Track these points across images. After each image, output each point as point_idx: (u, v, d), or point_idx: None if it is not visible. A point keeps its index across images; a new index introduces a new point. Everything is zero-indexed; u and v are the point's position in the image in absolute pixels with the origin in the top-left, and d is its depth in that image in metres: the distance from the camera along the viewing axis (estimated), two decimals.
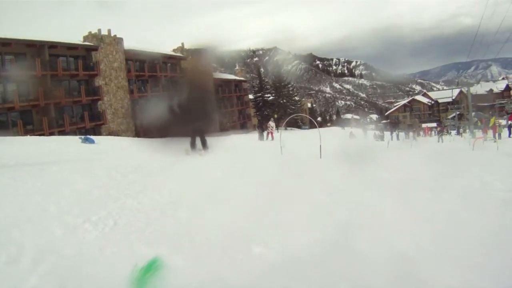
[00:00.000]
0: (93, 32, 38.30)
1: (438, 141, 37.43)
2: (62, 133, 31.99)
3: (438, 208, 5.88)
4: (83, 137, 22.24)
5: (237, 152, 13.75)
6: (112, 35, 39.94)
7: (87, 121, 35.72)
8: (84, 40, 37.95)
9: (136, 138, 34.68)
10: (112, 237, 4.71)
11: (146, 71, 44.05)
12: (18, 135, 26.26)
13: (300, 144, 17.77)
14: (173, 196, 6.74)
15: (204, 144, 14.45)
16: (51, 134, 30.43)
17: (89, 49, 37.43)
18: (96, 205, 5.85)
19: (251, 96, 62.72)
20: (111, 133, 35.64)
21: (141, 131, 40.56)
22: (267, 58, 71.94)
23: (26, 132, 28.93)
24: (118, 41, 40.35)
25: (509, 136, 35.85)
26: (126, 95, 40.53)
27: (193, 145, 12.98)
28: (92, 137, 23.10)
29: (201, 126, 13.23)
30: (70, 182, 7.52)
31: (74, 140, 21.34)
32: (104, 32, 39.20)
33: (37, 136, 24.97)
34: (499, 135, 36.06)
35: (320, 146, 12.54)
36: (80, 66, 36.12)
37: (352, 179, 7.85)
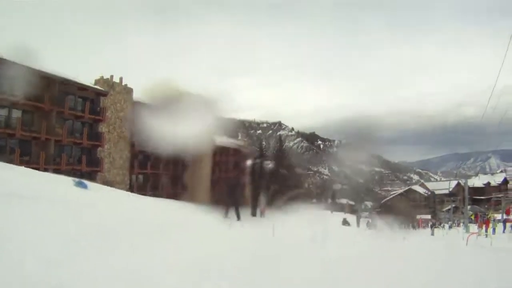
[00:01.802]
0: (105, 77, 38.81)
1: (432, 234, 38.02)
2: (57, 171, 31.43)
3: None
4: (77, 180, 21.86)
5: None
6: (123, 84, 40.41)
7: (84, 165, 35.30)
8: (95, 84, 38.21)
9: (129, 193, 34.20)
10: None
11: None
12: (13, 163, 25.72)
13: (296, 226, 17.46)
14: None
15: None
16: (46, 169, 29.84)
17: (98, 93, 37.69)
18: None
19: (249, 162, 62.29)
20: (105, 182, 35.00)
21: (135, 187, 40.01)
22: (270, 132, 73.15)
23: (22, 162, 28.35)
24: (128, 90, 40.74)
25: (503, 232, 35.79)
26: (127, 146, 40.27)
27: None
28: (86, 182, 22.73)
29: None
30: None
31: (67, 181, 21.06)
32: (116, 79, 39.74)
33: (31, 169, 24.63)
34: (493, 229, 36.07)
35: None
36: (87, 109, 36.28)
37: None
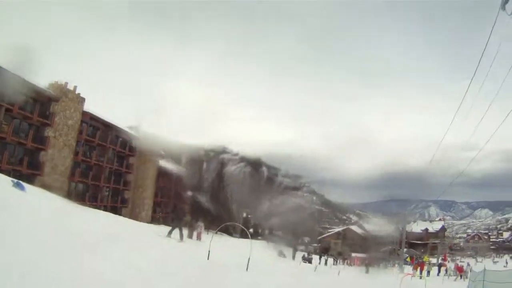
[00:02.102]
0: (59, 83, 38.96)
1: (366, 272, 39.01)
2: None
3: None
4: (15, 181, 22.35)
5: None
6: (77, 92, 40.63)
7: (25, 166, 35.27)
8: (49, 88, 38.22)
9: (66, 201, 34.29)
10: None
11: (96, 138, 44.39)
12: None
13: (230, 253, 18.37)
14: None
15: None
16: None
17: (50, 98, 37.64)
18: None
19: (189, 193, 63.18)
20: (44, 186, 34.95)
21: (73, 195, 40.02)
22: (213, 154, 73.35)
23: None
24: (80, 100, 40.89)
25: (438, 274, 38.11)
26: (70, 154, 40.34)
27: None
28: (24, 184, 23.21)
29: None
30: None
31: (5, 181, 21.43)
32: (70, 86, 39.93)
33: None
34: (428, 272, 38.36)
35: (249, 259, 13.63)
36: (36, 111, 36.25)
37: None
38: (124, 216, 43.35)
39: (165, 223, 52.33)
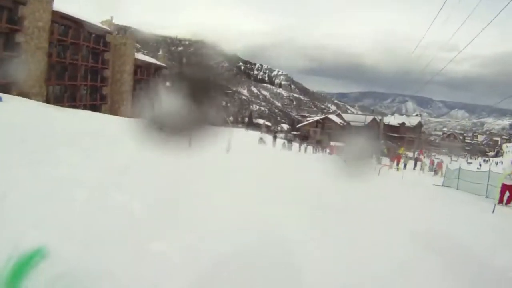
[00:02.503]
0: None
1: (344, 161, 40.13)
2: None
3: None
4: None
5: None
6: None
7: None
8: None
9: (45, 104, 33.93)
10: None
11: (69, 37, 42.71)
12: None
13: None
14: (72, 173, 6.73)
15: None
16: None
17: (17, 2, 35.65)
18: None
19: (168, 84, 62.48)
20: (20, 93, 34.31)
21: (51, 98, 39.56)
22: (192, 49, 72.39)
23: None
24: (48, 0, 38.78)
25: (414, 168, 39.84)
26: (44, 57, 39.10)
27: None
28: (0, 94, 22.76)
29: None
30: None
31: None
32: None
33: None
34: (405, 165, 39.96)
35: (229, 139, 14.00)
36: (4, 18, 34.53)
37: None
38: (104, 112, 43.40)
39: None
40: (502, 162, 59.38)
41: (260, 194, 8.02)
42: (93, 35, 46.79)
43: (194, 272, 4.00)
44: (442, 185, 24.73)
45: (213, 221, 5.41)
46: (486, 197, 16.86)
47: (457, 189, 21.89)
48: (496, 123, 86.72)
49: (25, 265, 2.65)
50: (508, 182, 13.52)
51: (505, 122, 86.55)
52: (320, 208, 7.39)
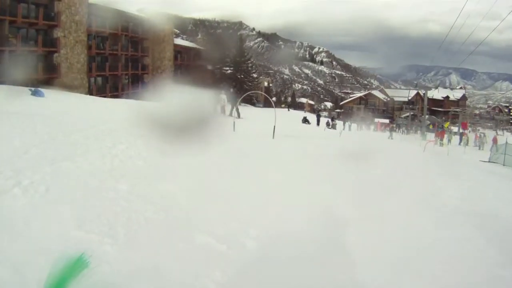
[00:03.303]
0: None
1: (389, 138, 39.45)
2: (13, 82, 31.84)
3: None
4: (33, 89, 22.61)
5: None
6: None
7: (41, 72, 35.46)
8: None
9: (88, 96, 34.98)
10: (41, 208, 4.51)
11: (107, 28, 43.56)
12: None
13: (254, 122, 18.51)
14: (115, 164, 6.87)
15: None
16: (1, 82, 30.38)
17: None
18: (31, 166, 5.81)
19: (209, 67, 63.44)
20: (64, 87, 35.44)
21: (94, 89, 40.78)
22: (231, 31, 72.55)
23: None
24: None
25: (459, 144, 38.64)
26: (83, 50, 40.08)
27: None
28: (42, 90, 23.46)
29: None
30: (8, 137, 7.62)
31: (23, 92, 21.68)
32: None
33: None
34: (449, 141, 38.79)
35: (274, 127, 13.84)
36: (40, 15, 35.33)
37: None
38: (146, 100, 44.31)
39: None
40: None
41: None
42: (131, 23, 47.57)
43: None
44: (489, 161, 24.15)
45: None
46: None
47: (504, 165, 21.62)
48: None
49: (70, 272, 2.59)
50: None
51: None
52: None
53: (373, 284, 3.97)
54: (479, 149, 36.35)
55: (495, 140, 34.15)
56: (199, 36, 64.00)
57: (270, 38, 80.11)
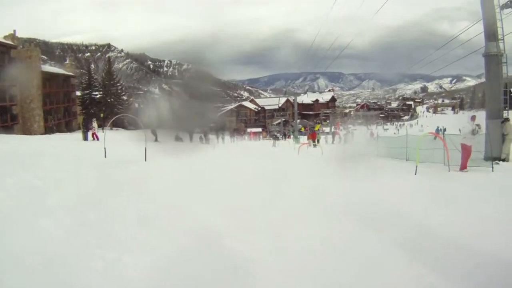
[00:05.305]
0: None
1: (273, 146, 42.29)
2: None
3: None
4: None
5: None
6: None
7: None
8: None
9: None
10: None
11: None
12: None
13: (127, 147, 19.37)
14: None
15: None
16: None
17: None
18: None
19: (78, 93, 64.21)
20: None
21: None
22: (99, 54, 73.12)
23: None
24: None
25: (332, 143, 41.84)
26: None
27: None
28: None
29: None
30: None
31: None
32: None
33: None
34: (326, 141, 41.23)
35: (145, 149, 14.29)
36: None
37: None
38: (17, 133, 43.71)
39: (60, 130, 53.65)
40: (421, 125, 66.59)
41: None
42: None
43: None
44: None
45: None
46: (407, 160, 18.55)
47: (377, 156, 22.94)
48: (407, 88, 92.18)
49: None
50: (468, 143, 14.14)
51: (416, 86, 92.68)
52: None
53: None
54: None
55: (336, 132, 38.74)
56: (67, 61, 63.94)
57: (139, 58, 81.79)
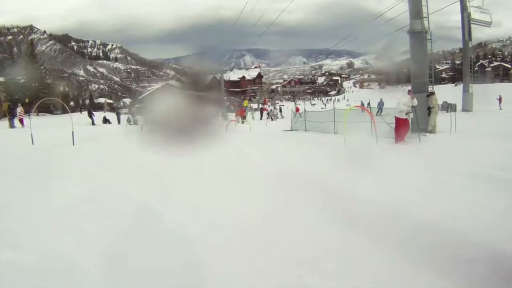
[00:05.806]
0: None
1: None
2: None
3: None
4: None
5: None
6: None
7: None
8: None
9: None
10: None
11: None
12: None
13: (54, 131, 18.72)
14: None
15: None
16: None
17: None
18: None
19: (1, 79, 60.74)
20: None
21: None
22: (21, 36, 70.00)
23: None
24: None
25: (261, 119, 43.79)
26: None
27: None
28: None
29: None
30: None
31: None
32: None
33: None
34: (253, 117, 43.08)
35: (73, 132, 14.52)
36: None
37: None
38: None
39: None
40: (347, 99, 68.73)
41: None
42: None
43: None
44: (291, 130, 27.15)
45: None
46: (335, 133, 19.38)
47: (306, 130, 24.43)
48: (334, 64, 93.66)
49: None
50: (403, 116, 14.81)
51: (342, 62, 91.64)
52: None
53: None
54: (271, 120, 42.54)
55: (297, 110, 38.95)
56: None
57: (62, 39, 78.98)
